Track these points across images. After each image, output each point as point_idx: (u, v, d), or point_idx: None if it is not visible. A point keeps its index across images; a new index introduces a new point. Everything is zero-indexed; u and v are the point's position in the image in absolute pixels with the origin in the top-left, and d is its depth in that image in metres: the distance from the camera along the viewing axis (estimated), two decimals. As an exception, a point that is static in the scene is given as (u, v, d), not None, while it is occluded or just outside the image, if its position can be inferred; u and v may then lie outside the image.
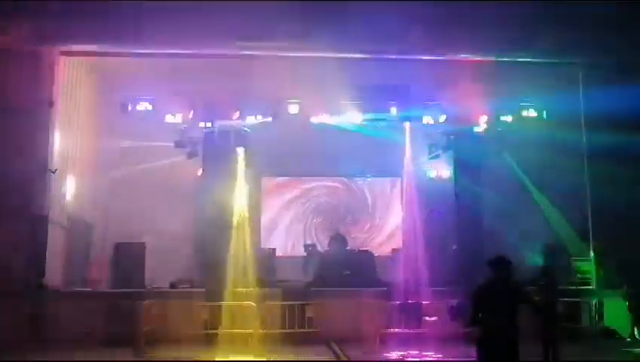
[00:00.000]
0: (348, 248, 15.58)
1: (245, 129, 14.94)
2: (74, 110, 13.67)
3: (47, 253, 12.53)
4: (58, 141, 13.08)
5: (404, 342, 11.48)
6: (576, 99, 14.07)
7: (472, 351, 6.18)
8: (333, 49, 13.38)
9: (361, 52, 13.61)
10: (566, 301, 11.87)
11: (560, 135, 14.23)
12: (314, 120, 15.01)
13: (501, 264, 6.22)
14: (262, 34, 12.67)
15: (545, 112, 14.99)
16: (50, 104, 12.73)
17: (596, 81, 13.47)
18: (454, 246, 14.54)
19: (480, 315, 6.15)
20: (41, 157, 12.72)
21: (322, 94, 14.48)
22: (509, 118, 15.11)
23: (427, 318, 12.32)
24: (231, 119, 14.81)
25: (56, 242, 12.99)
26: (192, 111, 14.60)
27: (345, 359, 10.15)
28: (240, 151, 14.78)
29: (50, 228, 12.69)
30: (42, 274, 12.36)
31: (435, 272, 14.42)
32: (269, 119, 14.81)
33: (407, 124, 15.38)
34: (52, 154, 12.88)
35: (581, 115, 14.00)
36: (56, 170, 12.83)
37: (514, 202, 14.67)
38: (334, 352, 10.83)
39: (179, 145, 14.85)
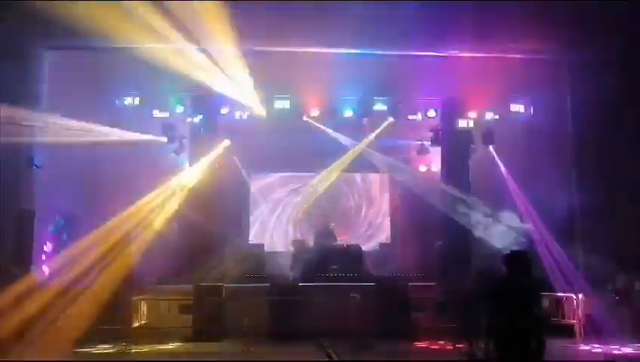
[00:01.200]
0: (336, 243, 15.61)
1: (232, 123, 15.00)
2: (60, 103, 13.54)
3: (33, 247, 12.47)
4: (44, 135, 12.98)
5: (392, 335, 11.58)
6: (563, 95, 14.23)
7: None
8: (324, 45, 13.37)
9: (352, 48, 13.61)
10: (550, 295, 12.07)
11: (547, 130, 14.39)
12: (304, 116, 15.10)
13: (518, 262, 6.04)
14: (251, 28, 12.59)
15: (532, 108, 15.17)
16: (36, 98, 12.63)
17: (583, 77, 13.63)
18: (439, 243, 14.61)
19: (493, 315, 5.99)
20: (27, 151, 12.63)
21: (312, 90, 14.51)
22: (497, 115, 15.27)
23: (414, 313, 12.43)
24: (220, 114, 14.85)
25: (43, 236, 12.90)
26: (180, 107, 14.62)
27: (334, 356, 10.17)
28: (226, 143, 14.87)
29: (37, 222, 12.62)
30: (29, 268, 12.30)
31: (422, 268, 14.54)
32: (262, 114, 14.91)
33: (390, 119, 15.49)
34: (37, 149, 12.79)
35: (568, 111, 14.15)
36: (41, 164, 12.75)
37: (500, 198, 14.74)
38: (323, 349, 10.85)
39: (168, 139, 14.83)
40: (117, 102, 14.41)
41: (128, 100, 14.43)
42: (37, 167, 12.77)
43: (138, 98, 14.57)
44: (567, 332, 11.56)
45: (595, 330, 11.43)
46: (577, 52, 13.31)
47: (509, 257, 6.11)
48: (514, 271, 6.03)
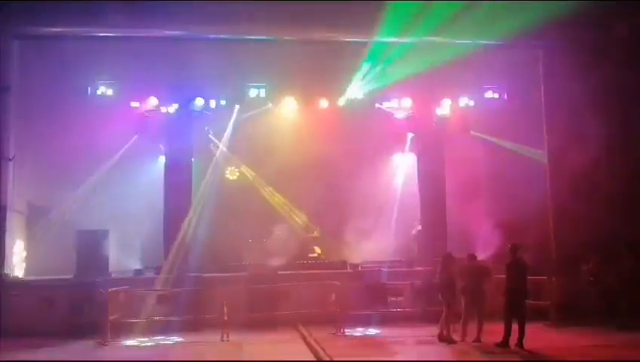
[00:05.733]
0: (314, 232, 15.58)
1: (208, 113, 14.87)
2: (31, 95, 13.33)
3: (6, 242, 12.30)
4: (15, 127, 12.76)
5: (370, 322, 11.67)
6: (536, 82, 14.39)
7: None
8: (296, 32, 13.32)
9: (325, 34, 13.60)
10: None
11: (521, 117, 14.56)
12: (278, 104, 15.05)
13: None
14: (224, 17, 12.51)
15: (506, 94, 15.31)
16: (5, 89, 12.40)
17: (556, 63, 13.80)
18: (419, 227, 14.71)
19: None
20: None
21: (287, 78, 14.44)
22: (471, 101, 15.37)
23: (392, 298, 12.53)
24: (195, 104, 14.67)
25: (15, 230, 12.72)
26: (153, 97, 14.41)
27: (311, 341, 10.22)
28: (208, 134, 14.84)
29: (9, 217, 12.43)
30: (2, 263, 12.13)
31: (400, 253, 14.65)
32: (234, 104, 14.83)
33: (369, 108, 15.49)
34: (9, 141, 12.57)
35: (541, 97, 14.33)
36: (13, 156, 12.54)
37: (476, 183, 14.87)
38: (301, 335, 10.90)
39: (141, 130, 14.63)
40: (89, 91, 14.14)
41: (101, 90, 14.17)
42: (9, 159, 12.54)
43: (111, 89, 14.30)
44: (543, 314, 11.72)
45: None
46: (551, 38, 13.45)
47: (512, 245, 9.83)
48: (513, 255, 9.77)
